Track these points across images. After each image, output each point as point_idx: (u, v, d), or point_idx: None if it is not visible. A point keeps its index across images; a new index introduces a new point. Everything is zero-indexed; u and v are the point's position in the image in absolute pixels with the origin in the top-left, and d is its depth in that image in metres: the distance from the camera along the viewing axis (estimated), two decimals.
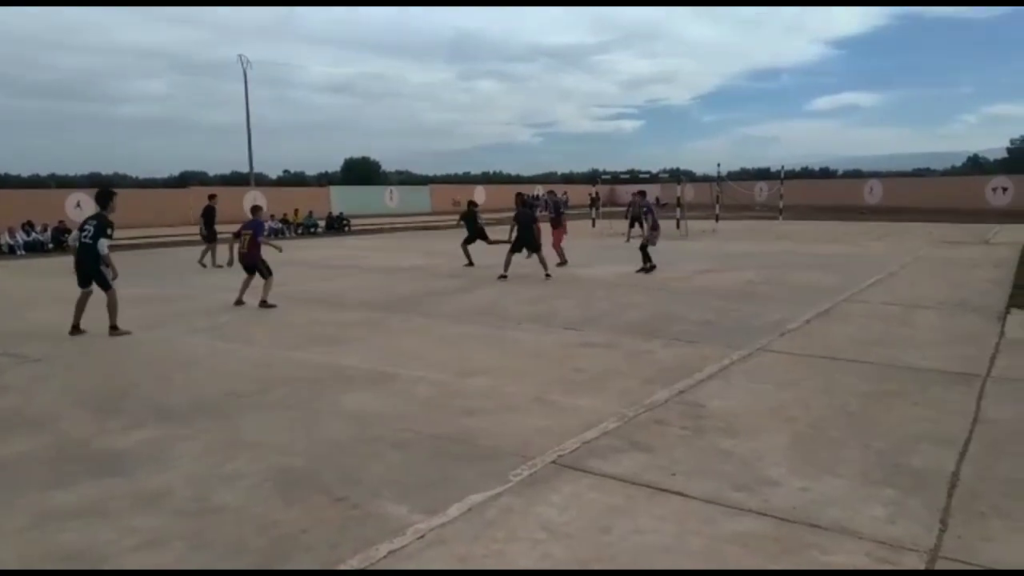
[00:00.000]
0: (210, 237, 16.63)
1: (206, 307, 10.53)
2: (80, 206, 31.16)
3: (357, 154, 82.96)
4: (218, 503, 3.82)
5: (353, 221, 32.80)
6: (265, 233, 11.84)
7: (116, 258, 8.99)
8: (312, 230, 30.24)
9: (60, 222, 24.32)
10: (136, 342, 8.20)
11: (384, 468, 4.26)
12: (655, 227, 13.85)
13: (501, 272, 13.11)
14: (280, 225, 28.97)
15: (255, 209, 11.59)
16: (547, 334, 8.22)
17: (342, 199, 40.90)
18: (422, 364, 6.84)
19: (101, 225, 8.55)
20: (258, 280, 10.72)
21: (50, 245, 22.63)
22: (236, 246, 11.44)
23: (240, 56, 48.06)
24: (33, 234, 23.24)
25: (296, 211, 31.24)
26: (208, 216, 16.73)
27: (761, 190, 46.72)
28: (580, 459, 4.31)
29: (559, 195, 30.83)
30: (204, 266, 16.28)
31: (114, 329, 8.57)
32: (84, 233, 8.69)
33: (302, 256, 18.65)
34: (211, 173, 76.66)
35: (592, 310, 9.80)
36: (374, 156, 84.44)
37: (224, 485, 4.04)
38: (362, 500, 3.81)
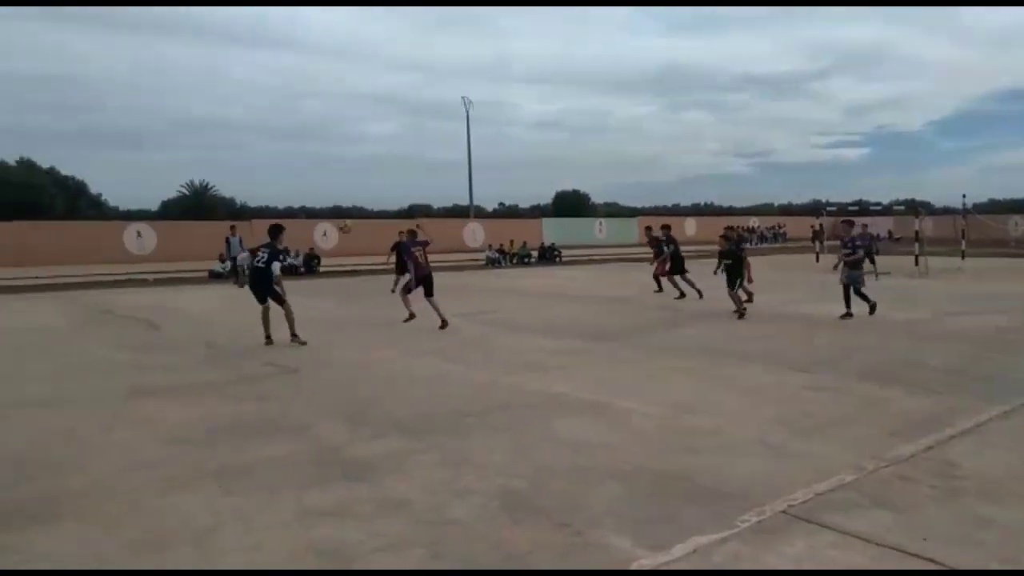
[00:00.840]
0: (402, 268, 18.16)
1: (426, 330, 11.28)
2: (326, 235, 35.03)
3: (567, 187, 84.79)
4: (452, 516, 4.07)
5: (564, 252, 33.64)
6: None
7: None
8: (526, 260, 31.47)
9: (310, 248, 27.56)
10: (372, 361, 9.02)
11: (604, 498, 4.29)
12: (855, 264, 11.87)
13: (734, 309, 12.41)
14: (497, 255, 30.55)
15: (413, 231, 12.32)
16: (767, 374, 7.84)
17: (553, 230, 42.12)
18: (633, 396, 6.81)
19: (274, 252, 10.09)
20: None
21: (302, 269, 25.56)
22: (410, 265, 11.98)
23: (463, 98, 52.00)
24: (288, 259, 26.42)
25: (511, 242, 32.65)
26: (398, 251, 18.29)
27: (1016, 224, 41.16)
28: (814, 511, 4.03)
29: (769, 229, 29.37)
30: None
31: (294, 337, 9.83)
32: (258, 259, 10.28)
33: (516, 284, 19.47)
34: (435, 206, 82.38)
35: (817, 351, 9.18)
36: (583, 189, 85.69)
37: (457, 499, 4.30)
38: (584, 528, 3.87)
